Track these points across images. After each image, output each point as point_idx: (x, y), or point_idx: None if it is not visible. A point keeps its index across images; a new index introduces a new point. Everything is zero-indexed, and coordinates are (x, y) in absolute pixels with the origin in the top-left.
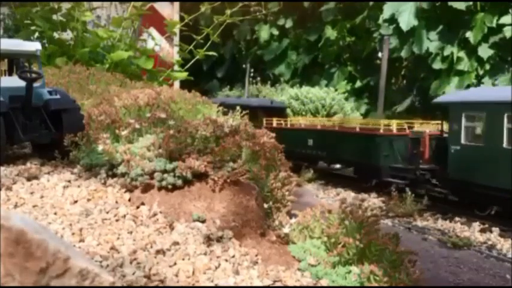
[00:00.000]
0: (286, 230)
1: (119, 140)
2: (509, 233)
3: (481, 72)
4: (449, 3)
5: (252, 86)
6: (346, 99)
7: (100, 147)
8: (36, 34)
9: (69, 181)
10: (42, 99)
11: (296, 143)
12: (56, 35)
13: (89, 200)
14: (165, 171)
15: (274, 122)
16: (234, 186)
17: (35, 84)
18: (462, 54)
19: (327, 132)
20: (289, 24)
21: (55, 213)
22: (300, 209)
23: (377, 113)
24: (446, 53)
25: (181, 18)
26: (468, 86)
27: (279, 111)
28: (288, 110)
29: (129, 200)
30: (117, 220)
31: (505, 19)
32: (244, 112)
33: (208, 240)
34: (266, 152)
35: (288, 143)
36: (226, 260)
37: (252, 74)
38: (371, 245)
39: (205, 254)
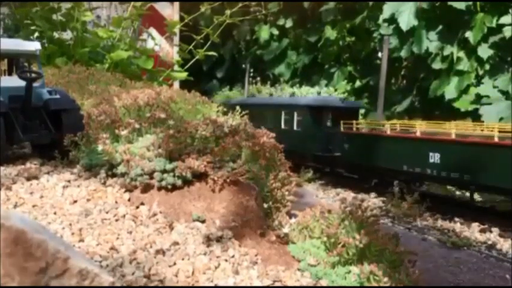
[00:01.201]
0: (285, 230)
1: (118, 140)
2: (509, 233)
3: (480, 72)
4: (449, 3)
5: (251, 86)
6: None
7: (100, 147)
8: (36, 34)
9: (68, 181)
10: (42, 99)
11: (405, 158)
12: (55, 35)
13: (88, 200)
14: (164, 171)
15: (355, 125)
16: (233, 187)
17: (35, 84)
18: (462, 54)
19: (473, 147)
20: (289, 24)
21: (55, 213)
22: (300, 209)
23: (377, 113)
24: (446, 53)
25: (181, 18)
26: (468, 86)
27: (352, 112)
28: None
29: (129, 200)
30: (116, 220)
31: (504, 19)
32: (300, 113)
33: (208, 240)
34: (266, 152)
35: (387, 158)
36: (226, 260)
37: (251, 74)
38: (371, 245)
39: (204, 254)
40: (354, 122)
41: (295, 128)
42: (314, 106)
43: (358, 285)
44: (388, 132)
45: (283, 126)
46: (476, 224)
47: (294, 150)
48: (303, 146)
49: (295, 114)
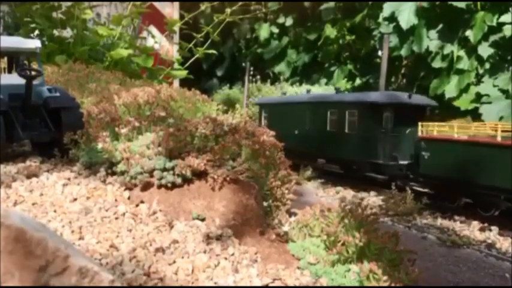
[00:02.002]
0: (285, 228)
1: (118, 138)
2: (508, 231)
3: (480, 71)
4: (449, 2)
5: (251, 85)
6: None
7: (99, 146)
8: (36, 32)
9: (68, 179)
10: (42, 97)
11: None
12: (55, 32)
13: (88, 198)
14: (164, 169)
15: (436, 128)
16: (233, 185)
17: (35, 82)
18: (462, 53)
19: None
20: (289, 22)
21: (54, 211)
22: (300, 208)
23: None
24: (446, 51)
25: (181, 17)
26: (468, 85)
27: (420, 110)
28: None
29: (129, 198)
30: (116, 218)
31: (505, 18)
32: (354, 113)
33: (208, 238)
34: (266, 151)
35: (495, 173)
36: (226, 259)
37: (251, 73)
38: (370, 244)
39: (204, 252)
40: (436, 124)
41: (346, 130)
42: (375, 103)
43: (358, 283)
44: (499, 139)
45: (328, 128)
46: (476, 222)
47: (343, 157)
48: (358, 152)
49: (347, 113)
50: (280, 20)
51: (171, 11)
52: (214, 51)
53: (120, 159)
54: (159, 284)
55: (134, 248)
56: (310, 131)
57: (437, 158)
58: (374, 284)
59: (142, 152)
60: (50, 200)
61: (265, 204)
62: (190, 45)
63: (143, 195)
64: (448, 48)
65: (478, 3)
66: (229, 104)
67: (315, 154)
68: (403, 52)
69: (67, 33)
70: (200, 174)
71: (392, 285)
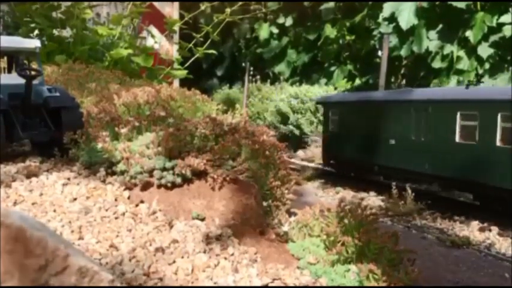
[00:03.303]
0: (285, 228)
1: (118, 137)
2: (508, 231)
3: (480, 71)
4: (449, 2)
5: (251, 84)
6: None
7: (99, 145)
8: (36, 31)
9: (68, 179)
10: (42, 97)
11: None
12: (55, 32)
13: (88, 197)
14: (164, 169)
15: None
16: (233, 185)
17: (35, 82)
18: (462, 53)
19: None
20: (289, 22)
21: (54, 211)
22: (299, 208)
23: None
24: (446, 52)
25: (181, 17)
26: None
27: None
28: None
29: (129, 197)
30: (116, 218)
31: (504, 18)
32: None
33: (208, 238)
34: (265, 150)
35: None
36: (226, 258)
37: (251, 73)
38: (370, 244)
39: (204, 252)
40: None
41: (498, 143)
42: None
43: (358, 283)
44: None
45: (458, 138)
46: (476, 222)
47: (488, 183)
48: None
49: (501, 117)
50: (280, 20)
51: (171, 11)
52: (214, 51)
53: (120, 158)
54: (159, 284)
55: (134, 248)
56: (423, 142)
57: None
58: (374, 283)
59: (142, 152)
60: (50, 199)
61: (265, 204)
62: (190, 45)
63: (143, 194)
64: (448, 49)
65: (478, 3)
66: (229, 104)
67: (429, 175)
68: (403, 52)
69: (67, 32)
70: (200, 174)
71: (392, 285)
